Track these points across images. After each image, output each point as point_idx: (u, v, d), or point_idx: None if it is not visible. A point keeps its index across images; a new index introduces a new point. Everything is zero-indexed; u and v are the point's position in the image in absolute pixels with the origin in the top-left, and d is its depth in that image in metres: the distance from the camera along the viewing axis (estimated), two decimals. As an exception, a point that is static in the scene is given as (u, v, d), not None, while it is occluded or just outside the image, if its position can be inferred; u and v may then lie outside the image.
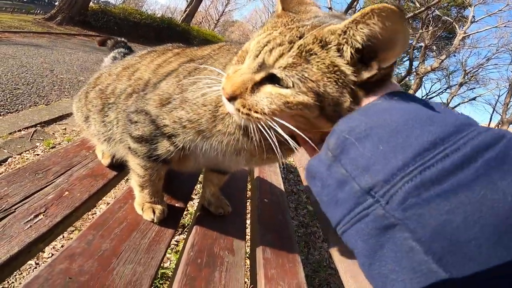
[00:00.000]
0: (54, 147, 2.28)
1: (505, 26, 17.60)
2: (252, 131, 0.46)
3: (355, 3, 11.74)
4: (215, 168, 0.92)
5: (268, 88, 0.43)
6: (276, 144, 0.44)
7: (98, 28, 11.13)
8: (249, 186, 1.42)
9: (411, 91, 16.17)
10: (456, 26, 17.22)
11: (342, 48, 0.40)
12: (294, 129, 0.42)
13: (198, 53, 0.86)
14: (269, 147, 0.56)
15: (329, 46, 0.41)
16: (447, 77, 24.03)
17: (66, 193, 0.83)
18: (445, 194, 0.24)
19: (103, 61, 1.31)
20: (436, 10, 15.58)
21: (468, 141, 0.25)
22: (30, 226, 0.69)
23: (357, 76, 0.40)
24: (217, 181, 0.97)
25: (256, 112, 0.43)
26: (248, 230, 1.11)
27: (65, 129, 2.62)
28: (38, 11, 16.64)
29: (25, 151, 2.13)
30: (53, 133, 2.50)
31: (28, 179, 0.83)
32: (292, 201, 2.66)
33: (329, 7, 13.08)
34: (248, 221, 1.14)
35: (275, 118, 0.42)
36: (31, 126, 2.45)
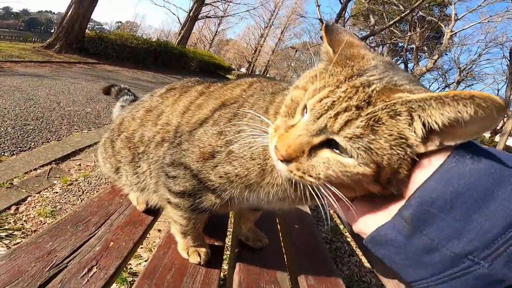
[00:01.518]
0: (72, 184, 2.35)
1: (488, 22, 18.30)
2: (300, 186, 0.46)
3: (343, 12, 12.21)
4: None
5: (327, 153, 0.41)
6: (323, 201, 0.44)
7: (96, 55, 11.36)
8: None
9: None
10: (442, 25, 17.83)
11: (413, 122, 0.37)
12: (341, 195, 0.41)
13: (227, 93, 0.79)
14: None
15: (399, 117, 0.37)
16: (443, 76, 24.67)
17: (112, 243, 0.85)
18: None
19: (112, 112, 1.32)
20: (419, 11, 16.14)
21: None
22: (88, 281, 0.70)
23: (420, 147, 0.38)
24: (253, 218, 0.99)
25: (311, 176, 0.42)
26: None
27: (79, 164, 2.70)
28: (36, 39, 17.01)
29: (44, 190, 2.19)
30: (69, 170, 2.57)
31: (70, 232, 0.84)
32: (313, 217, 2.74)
33: (318, 18, 13.60)
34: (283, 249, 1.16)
35: (327, 185, 0.41)
36: (46, 164, 2.51)
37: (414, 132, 0.37)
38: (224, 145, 0.64)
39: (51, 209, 1.97)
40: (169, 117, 0.83)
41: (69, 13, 10.92)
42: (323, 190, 0.42)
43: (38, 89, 4.82)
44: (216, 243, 1.00)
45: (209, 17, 24.83)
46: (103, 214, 0.96)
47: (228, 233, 1.92)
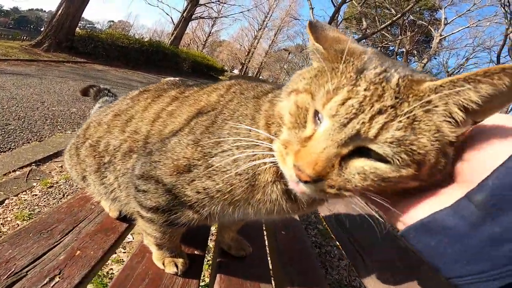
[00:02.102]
0: (52, 186, 2.25)
1: (476, 26, 18.86)
2: (305, 199, 0.43)
3: (336, 15, 12.37)
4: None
5: (360, 163, 0.36)
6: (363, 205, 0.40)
7: (86, 54, 11.19)
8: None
9: None
10: (432, 29, 18.29)
11: (451, 112, 0.35)
12: (377, 197, 0.38)
13: (203, 99, 0.71)
14: (316, 204, 0.56)
15: (436, 109, 0.35)
16: (432, 80, 25.34)
17: (78, 252, 0.80)
18: None
19: (90, 115, 1.24)
20: (410, 15, 16.50)
21: None
22: (48, 290, 0.67)
23: (454, 132, 0.36)
24: (235, 227, 0.95)
25: (348, 190, 0.37)
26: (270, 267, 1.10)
27: (61, 166, 2.59)
28: (25, 37, 16.63)
29: (22, 192, 2.09)
30: (50, 172, 2.46)
31: (33, 240, 0.79)
32: (301, 222, 2.70)
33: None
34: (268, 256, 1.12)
35: (364, 193, 0.38)
36: (26, 166, 2.41)
37: (453, 119, 0.35)
38: (202, 158, 0.57)
39: (29, 212, 1.89)
40: (138, 124, 0.76)
41: (60, 11, 10.74)
42: (356, 199, 0.38)
43: (22, 88, 4.66)
44: (196, 252, 0.95)
45: (203, 17, 24.79)
46: (71, 222, 0.91)
47: (212, 240, 1.87)
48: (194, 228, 1.01)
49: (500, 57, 16.06)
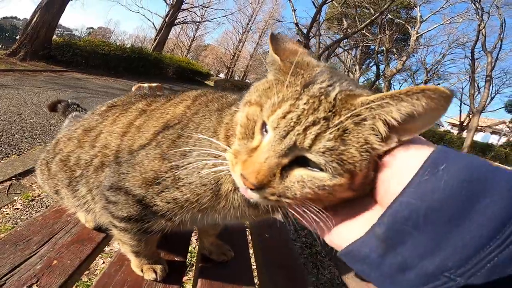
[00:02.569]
0: (34, 199, 2.23)
1: (450, 23, 19.57)
2: (263, 206, 0.44)
3: (318, 16, 12.58)
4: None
5: (299, 172, 0.39)
6: (294, 216, 0.42)
7: (65, 63, 10.87)
8: (246, 223, 1.42)
9: None
10: (409, 27, 18.83)
11: (376, 126, 0.38)
12: (314, 208, 0.39)
13: (170, 111, 0.73)
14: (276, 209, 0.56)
15: (365, 122, 0.38)
16: (411, 77, 26.04)
17: (55, 261, 0.82)
18: None
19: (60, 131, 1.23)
20: (388, 14, 16.96)
21: None
22: (26, 298, 0.68)
23: (381, 147, 0.38)
24: (213, 231, 0.96)
25: (288, 198, 0.39)
26: (254, 270, 1.10)
27: (42, 179, 2.56)
28: (0, 46, 15.94)
29: (4, 206, 2.07)
30: (30, 185, 2.42)
31: (9, 251, 0.81)
32: (291, 223, 2.74)
33: (295, 22, 13.92)
34: (252, 259, 1.13)
35: (304, 203, 0.39)
36: (6, 180, 2.37)
37: (378, 132, 0.38)
38: (169, 170, 0.59)
39: (12, 226, 1.88)
40: (107, 138, 0.78)
41: (35, 19, 10.36)
42: (297, 208, 0.40)
43: (-2, 100, 4.52)
44: (176, 258, 0.96)
45: (186, 22, 24.60)
46: (47, 233, 0.92)
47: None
48: (174, 235, 0.99)
49: (474, 53, 16.75)
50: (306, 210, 0.39)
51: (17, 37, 11.27)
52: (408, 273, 0.30)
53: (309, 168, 0.38)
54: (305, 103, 0.38)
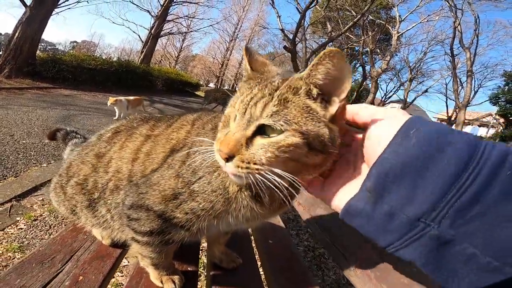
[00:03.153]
0: (36, 219, 2.24)
1: (427, 21, 20.19)
2: (258, 187, 0.49)
3: (302, 21, 12.80)
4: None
5: (260, 140, 0.48)
6: (284, 191, 0.48)
7: (51, 79, 10.64)
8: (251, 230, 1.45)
9: (371, 94, 17.72)
10: (389, 27, 19.37)
11: (310, 89, 0.49)
12: (289, 175, 0.46)
13: (174, 136, 0.82)
14: (279, 203, 0.63)
15: (300, 91, 0.49)
16: (397, 76, 26.62)
17: (81, 277, 0.85)
18: (484, 211, 0.30)
19: (63, 158, 1.23)
20: (369, 15, 17.39)
21: (485, 163, 0.31)
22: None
23: (325, 111, 0.49)
24: (223, 240, 1.01)
25: (255, 163, 0.47)
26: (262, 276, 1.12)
27: (42, 199, 2.54)
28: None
29: (7, 227, 2.08)
30: (31, 206, 2.42)
31: (37, 269, 0.84)
32: (292, 227, 2.76)
33: (280, 28, 14.13)
34: (258, 264, 1.16)
35: (273, 169, 0.47)
36: (6, 202, 2.36)
37: (313, 98, 0.49)
38: (185, 186, 0.67)
39: (19, 245, 1.90)
40: (118, 163, 0.84)
41: (17, 34, 10.12)
42: (270, 176, 0.47)
43: (-13, 122, 4.44)
44: (189, 269, 1.00)
45: (172, 33, 24.65)
46: (68, 251, 0.96)
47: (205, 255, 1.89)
48: (185, 247, 1.01)
49: (453, 49, 17.36)
50: (274, 175, 0.47)
51: (0, 53, 10.95)
52: (394, 221, 0.35)
53: (268, 136, 0.48)
54: (257, 90, 0.51)
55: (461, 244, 0.30)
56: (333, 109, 0.49)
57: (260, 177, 0.47)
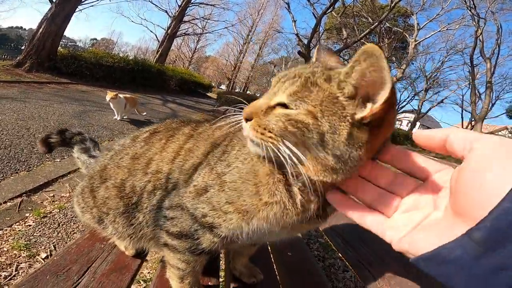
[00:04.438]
0: (46, 216, 2.20)
1: (447, 30, 19.81)
2: (277, 161, 0.52)
3: (317, 26, 12.74)
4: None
5: (278, 110, 0.50)
6: (294, 159, 0.48)
7: (70, 74, 10.95)
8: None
9: None
10: (407, 35, 19.09)
11: (344, 84, 0.48)
12: (299, 154, 0.48)
13: (217, 132, 0.81)
14: (314, 210, 0.59)
15: (332, 81, 0.49)
16: (411, 85, 26.12)
17: None
18: None
19: (76, 160, 1.20)
20: (386, 22, 17.17)
21: None
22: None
23: (355, 111, 0.46)
24: (248, 252, 0.96)
25: (269, 131, 0.49)
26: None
27: (53, 196, 2.52)
28: (6, 56, 16.05)
29: (16, 223, 2.04)
30: (41, 202, 2.39)
31: (52, 282, 0.79)
32: (303, 236, 2.70)
33: (295, 33, 14.16)
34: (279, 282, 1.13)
35: (285, 141, 0.48)
36: (17, 196, 2.33)
37: (344, 93, 0.48)
38: (216, 178, 0.66)
39: (25, 243, 1.85)
40: (159, 164, 0.81)
41: (41, 30, 10.49)
42: (282, 148, 0.48)
43: (6, 113, 4.53)
44: (210, 283, 0.96)
45: (188, 34, 25.05)
46: (84, 262, 0.90)
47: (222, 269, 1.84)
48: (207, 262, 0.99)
49: (473, 59, 16.87)
50: (286, 148, 0.48)
51: (23, 47, 11.37)
52: (502, 274, 0.32)
53: (285, 108, 0.50)
54: (294, 70, 0.54)
55: None
56: (361, 113, 0.46)
57: (274, 148, 0.49)
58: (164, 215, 0.74)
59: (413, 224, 0.44)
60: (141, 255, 0.97)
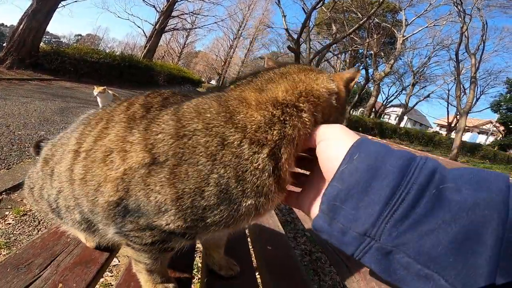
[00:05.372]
0: (26, 214, 2.15)
1: (434, 25, 20.11)
2: None
3: (307, 21, 12.74)
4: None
5: None
6: None
7: (53, 71, 10.65)
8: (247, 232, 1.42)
9: (373, 97, 17.55)
10: (395, 31, 19.30)
11: None
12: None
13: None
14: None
15: None
16: (399, 80, 26.54)
17: (60, 285, 0.78)
18: (412, 225, 0.35)
19: None
20: (375, 18, 17.30)
21: (412, 186, 0.37)
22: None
23: None
24: (223, 243, 0.95)
25: None
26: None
27: (33, 193, 2.47)
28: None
29: (-6, 222, 1.99)
30: (21, 200, 2.34)
31: (12, 275, 0.77)
32: (289, 230, 2.72)
33: (285, 28, 14.09)
34: (256, 272, 1.12)
35: None
36: (-5, 195, 2.28)
37: None
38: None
39: (5, 241, 1.82)
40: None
41: (21, 26, 10.16)
42: None
43: (-17, 112, 4.37)
44: (182, 276, 0.95)
45: (177, 29, 24.58)
46: (48, 256, 0.88)
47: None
48: (179, 251, 1.01)
49: (459, 54, 17.22)
50: None
51: (4, 44, 10.95)
52: (347, 236, 0.41)
53: None
54: None
55: (398, 253, 0.36)
56: None
57: None
58: (125, 234, 0.68)
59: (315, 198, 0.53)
60: (108, 248, 0.93)
